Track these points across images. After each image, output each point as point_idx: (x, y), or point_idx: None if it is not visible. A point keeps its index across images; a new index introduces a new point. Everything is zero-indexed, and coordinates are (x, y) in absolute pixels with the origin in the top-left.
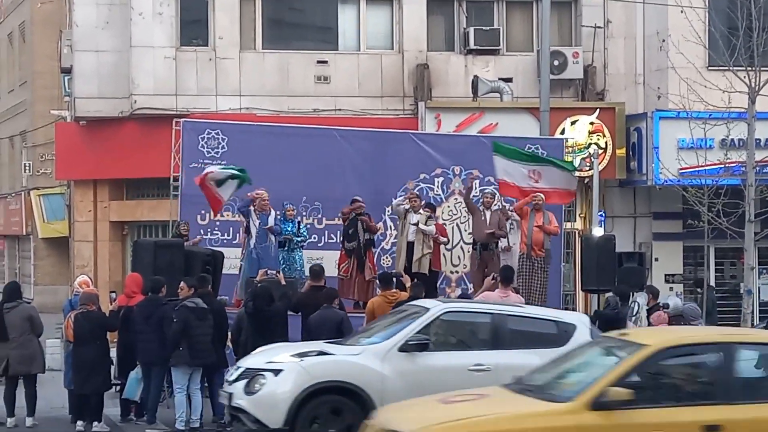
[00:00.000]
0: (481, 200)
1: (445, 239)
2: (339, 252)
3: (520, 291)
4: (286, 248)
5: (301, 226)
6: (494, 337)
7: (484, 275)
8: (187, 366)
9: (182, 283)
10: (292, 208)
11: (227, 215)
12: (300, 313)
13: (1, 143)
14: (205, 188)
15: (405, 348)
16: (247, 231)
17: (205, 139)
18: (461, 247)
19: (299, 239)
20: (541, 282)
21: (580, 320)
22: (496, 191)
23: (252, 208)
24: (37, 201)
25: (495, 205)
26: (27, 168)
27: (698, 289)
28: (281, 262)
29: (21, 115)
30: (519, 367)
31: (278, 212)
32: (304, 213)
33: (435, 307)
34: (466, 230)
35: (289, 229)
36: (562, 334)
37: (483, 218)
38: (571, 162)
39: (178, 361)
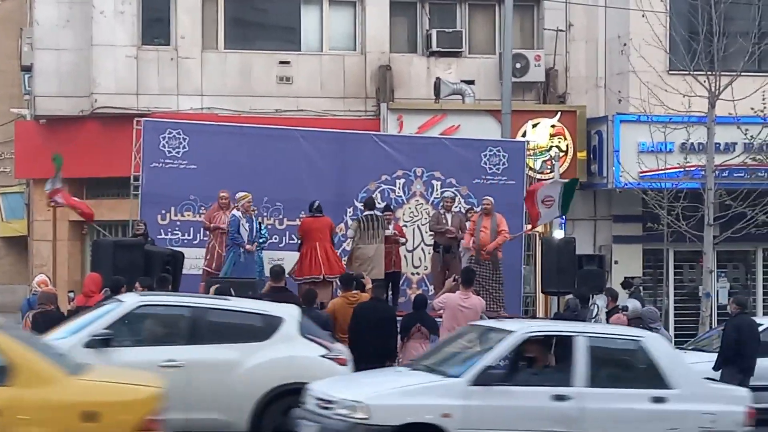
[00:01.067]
0: (441, 203)
1: (403, 240)
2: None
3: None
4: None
5: (261, 227)
6: (191, 332)
7: (445, 277)
8: None
9: (137, 283)
10: (254, 208)
11: (188, 215)
12: None
13: None
14: (69, 202)
15: (90, 344)
16: (237, 232)
17: (167, 139)
18: (422, 249)
19: (261, 240)
20: (493, 284)
21: (288, 313)
22: (456, 194)
23: (239, 212)
24: None
25: (456, 207)
26: None
27: (625, 290)
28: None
29: None
30: (214, 363)
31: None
32: (265, 214)
33: (130, 300)
34: (426, 232)
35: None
36: (266, 327)
37: (444, 221)
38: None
39: None
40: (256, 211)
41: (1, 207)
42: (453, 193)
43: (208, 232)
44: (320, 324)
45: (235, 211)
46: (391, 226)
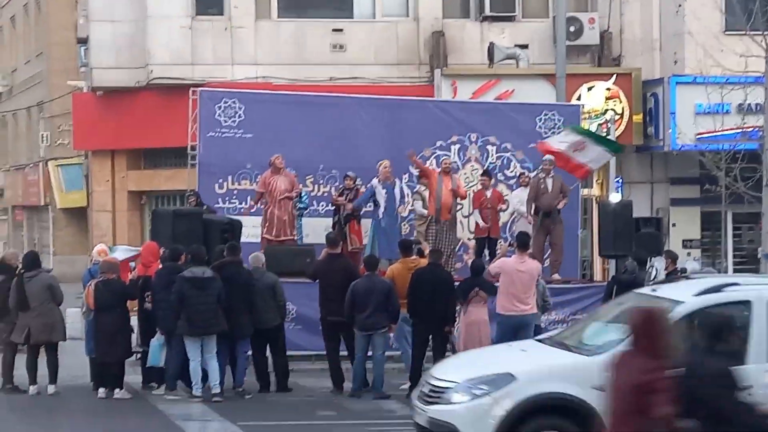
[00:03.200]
0: (540, 168)
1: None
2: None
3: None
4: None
5: (302, 194)
6: None
7: (544, 242)
8: (190, 335)
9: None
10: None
11: (245, 183)
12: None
13: (19, 114)
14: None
15: None
16: (375, 203)
17: (222, 108)
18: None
19: (300, 206)
20: (451, 244)
21: None
22: (554, 160)
23: (376, 179)
24: (55, 171)
25: (512, 171)
26: (45, 139)
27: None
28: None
29: (38, 86)
30: None
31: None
32: (321, 181)
33: None
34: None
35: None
36: None
37: (543, 186)
38: (618, 145)
39: (180, 331)
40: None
41: (61, 179)
42: (551, 158)
43: (265, 199)
44: (381, 292)
45: (374, 181)
46: (488, 192)
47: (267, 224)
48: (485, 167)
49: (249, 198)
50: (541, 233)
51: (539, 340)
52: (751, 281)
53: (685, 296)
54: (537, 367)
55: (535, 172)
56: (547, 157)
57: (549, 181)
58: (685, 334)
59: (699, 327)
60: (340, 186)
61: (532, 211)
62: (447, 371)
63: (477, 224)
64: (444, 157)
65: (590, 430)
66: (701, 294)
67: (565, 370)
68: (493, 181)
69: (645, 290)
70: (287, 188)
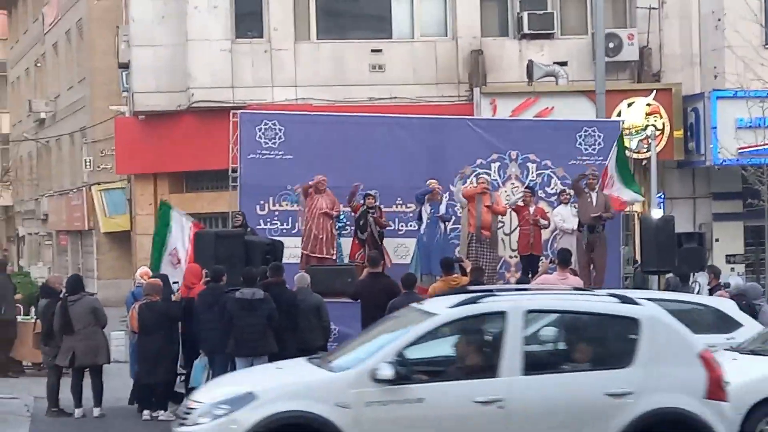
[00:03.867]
0: (586, 183)
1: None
2: (351, 241)
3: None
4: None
5: (341, 214)
6: None
7: (590, 258)
8: (237, 356)
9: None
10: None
11: (286, 205)
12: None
13: (62, 140)
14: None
15: None
16: (419, 218)
17: (263, 130)
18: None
19: (339, 225)
20: (493, 262)
21: None
22: (598, 174)
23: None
24: (98, 196)
25: (552, 189)
26: (88, 164)
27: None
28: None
29: (81, 111)
30: None
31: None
32: (361, 201)
33: None
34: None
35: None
36: None
37: (589, 200)
38: (639, 188)
39: (229, 351)
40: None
41: (104, 203)
42: (595, 172)
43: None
44: None
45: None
46: (532, 208)
47: (305, 239)
48: (526, 184)
49: (290, 218)
50: (587, 249)
51: (310, 359)
52: (513, 292)
53: (440, 308)
54: (280, 384)
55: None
56: (590, 171)
57: (593, 196)
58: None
59: (456, 338)
60: (363, 205)
61: (575, 226)
62: (201, 392)
63: (519, 242)
64: (481, 175)
65: None
66: (456, 306)
67: (308, 388)
68: (534, 198)
69: (414, 304)
70: (328, 206)
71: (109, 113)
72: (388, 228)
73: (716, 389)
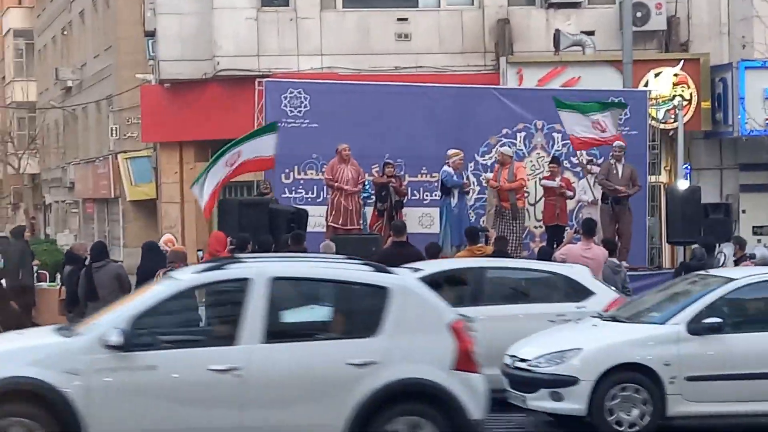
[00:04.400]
0: (611, 154)
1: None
2: (372, 211)
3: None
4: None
5: (365, 184)
6: None
7: (615, 229)
8: None
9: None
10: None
11: (311, 173)
12: None
13: (89, 108)
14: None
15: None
16: (445, 191)
17: (288, 99)
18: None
19: (364, 195)
20: (517, 233)
21: None
22: (624, 145)
23: (449, 167)
24: (124, 164)
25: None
26: (114, 132)
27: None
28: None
29: (107, 79)
30: None
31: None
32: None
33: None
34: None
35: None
36: None
37: (615, 172)
38: (622, 102)
39: None
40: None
41: (130, 171)
42: (621, 144)
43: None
44: None
45: (445, 167)
46: (558, 179)
47: (333, 212)
48: (551, 154)
49: (315, 187)
50: (612, 221)
51: (59, 327)
52: (264, 258)
53: (186, 274)
54: (11, 349)
55: (603, 159)
56: (618, 143)
57: (619, 167)
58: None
59: (198, 305)
60: (381, 173)
61: (600, 198)
62: None
63: (544, 212)
64: (500, 149)
65: (59, 415)
66: (200, 272)
67: (39, 353)
68: (560, 168)
69: (170, 272)
70: (354, 178)
71: (136, 81)
72: (412, 198)
73: (465, 360)
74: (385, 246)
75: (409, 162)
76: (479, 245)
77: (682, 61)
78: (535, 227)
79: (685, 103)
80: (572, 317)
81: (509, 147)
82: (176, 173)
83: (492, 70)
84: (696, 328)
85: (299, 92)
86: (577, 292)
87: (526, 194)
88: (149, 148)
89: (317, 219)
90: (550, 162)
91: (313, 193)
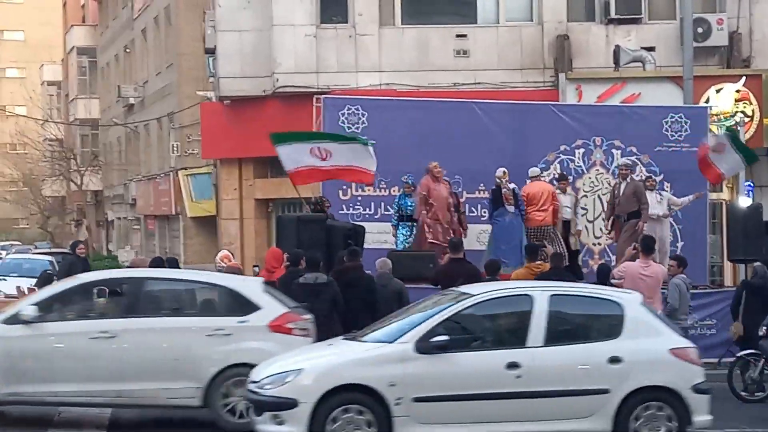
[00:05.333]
0: (618, 173)
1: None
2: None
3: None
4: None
5: (410, 200)
6: None
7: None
8: None
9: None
10: (410, 184)
11: (368, 190)
12: (439, 286)
13: (150, 125)
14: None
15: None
16: (495, 204)
17: (346, 115)
18: (602, 219)
19: (408, 212)
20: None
21: None
22: (634, 162)
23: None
24: (185, 181)
25: (637, 175)
26: (175, 149)
27: None
28: (405, 237)
29: (168, 97)
30: None
31: (399, 187)
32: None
33: None
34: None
35: (409, 204)
36: None
37: (618, 191)
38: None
39: None
40: (412, 188)
41: (191, 188)
42: (629, 161)
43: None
44: None
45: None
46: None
47: (431, 230)
48: (611, 171)
49: (372, 204)
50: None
51: None
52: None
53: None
54: None
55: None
56: (623, 161)
57: (622, 186)
58: None
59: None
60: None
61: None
62: None
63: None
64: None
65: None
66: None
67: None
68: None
69: None
70: (446, 195)
71: (196, 98)
72: (470, 215)
73: None
74: (442, 262)
75: (465, 178)
76: (538, 263)
77: (744, 77)
78: (594, 244)
79: (747, 119)
80: (233, 332)
81: (537, 168)
82: (235, 190)
83: (551, 87)
84: (424, 346)
85: (357, 109)
86: (241, 305)
87: (583, 211)
88: (209, 164)
89: (374, 236)
90: (559, 179)
91: (370, 210)
